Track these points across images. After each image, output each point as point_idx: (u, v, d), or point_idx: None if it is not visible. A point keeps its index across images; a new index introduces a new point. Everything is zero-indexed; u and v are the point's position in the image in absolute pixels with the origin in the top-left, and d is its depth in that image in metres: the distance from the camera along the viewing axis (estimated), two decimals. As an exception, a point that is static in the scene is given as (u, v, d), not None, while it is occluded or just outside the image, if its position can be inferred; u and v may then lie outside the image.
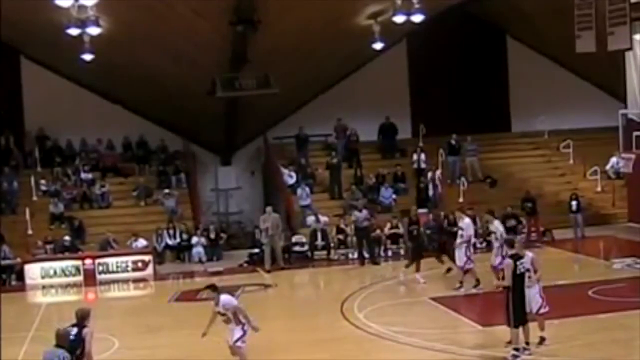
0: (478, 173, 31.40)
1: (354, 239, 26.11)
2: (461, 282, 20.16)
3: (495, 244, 20.02)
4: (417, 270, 21.69)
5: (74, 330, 12.29)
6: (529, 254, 14.98)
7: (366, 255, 25.38)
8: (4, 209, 28.03)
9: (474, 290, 19.88)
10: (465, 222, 20.55)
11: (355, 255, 25.77)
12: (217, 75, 25.90)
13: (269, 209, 25.90)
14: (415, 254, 22.21)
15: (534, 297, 14.74)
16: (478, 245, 26.07)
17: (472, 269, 20.17)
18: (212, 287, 14.85)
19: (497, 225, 20.52)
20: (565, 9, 27.52)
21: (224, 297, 14.44)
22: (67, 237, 26.58)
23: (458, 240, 20.45)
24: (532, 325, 14.56)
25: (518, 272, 14.04)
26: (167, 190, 29.31)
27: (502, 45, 34.49)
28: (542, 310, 14.92)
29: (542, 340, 14.86)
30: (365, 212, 25.68)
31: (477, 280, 20.07)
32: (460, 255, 20.29)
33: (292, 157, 31.37)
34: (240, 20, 21.48)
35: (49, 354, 11.15)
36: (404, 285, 21.58)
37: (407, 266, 22.21)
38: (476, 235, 26.38)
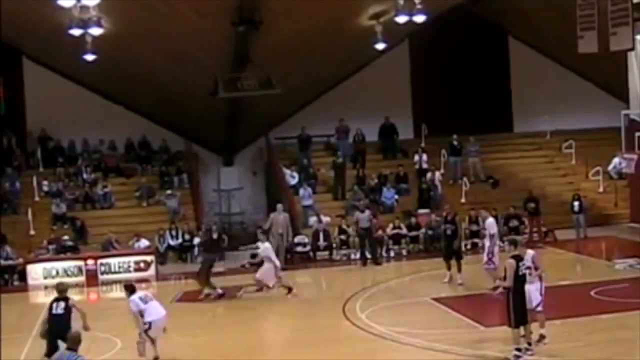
0: (480, 174, 31.38)
1: (357, 239, 26.12)
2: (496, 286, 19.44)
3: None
4: (458, 270, 21.27)
5: (62, 304, 14.19)
6: (529, 252, 15.00)
7: (368, 255, 25.38)
8: (6, 210, 28.06)
9: (493, 293, 19.64)
10: (489, 221, 20.53)
11: (358, 256, 25.78)
12: (219, 75, 25.90)
13: (279, 206, 25.87)
14: (448, 253, 21.73)
15: (533, 294, 14.74)
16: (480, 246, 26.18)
17: (493, 270, 19.88)
18: (126, 287, 15.75)
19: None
20: (568, 10, 27.50)
21: (131, 299, 15.30)
22: (66, 237, 26.60)
23: (487, 242, 20.38)
24: (534, 326, 14.56)
25: (520, 272, 14.03)
26: (169, 191, 29.33)
27: (504, 45, 34.48)
28: (539, 308, 14.89)
29: (541, 337, 14.84)
30: (367, 212, 25.67)
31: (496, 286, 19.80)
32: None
33: (294, 157, 31.38)
34: (243, 20, 21.46)
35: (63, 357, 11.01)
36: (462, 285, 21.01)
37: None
38: (478, 235, 26.52)
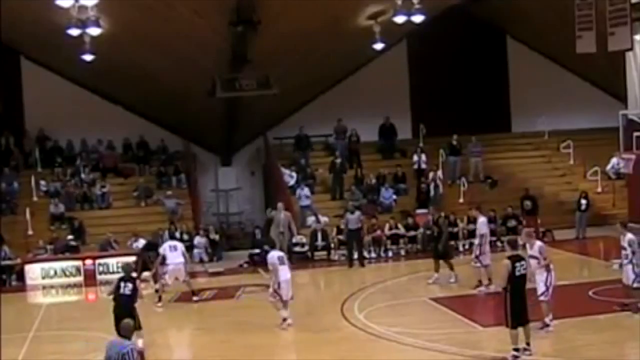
0: (480, 174, 31.39)
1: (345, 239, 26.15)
2: (489, 280, 19.95)
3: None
4: (450, 269, 21.56)
5: (130, 285, 15.26)
6: (537, 243, 15.54)
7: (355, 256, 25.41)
8: (4, 210, 28.04)
9: (474, 291, 19.90)
10: (480, 220, 20.66)
11: (355, 256, 25.81)
12: (217, 75, 25.90)
13: (280, 205, 25.92)
14: (435, 254, 21.99)
15: (538, 284, 15.30)
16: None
17: (480, 268, 20.16)
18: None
19: None
20: (566, 10, 27.52)
21: (270, 255, 17.54)
22: (70, 237, 26.66)
23: (476, 241, 20.73)
24: (533, 325, 14.60)
25: (517, 273, 14.03)
26: (169, 192, 29.32)
27: (502, 45, 34.52)
28: (541, 297, 15.30)
29: (544, 325, 15.28)
30: (357, 213, 25.64)
31: (479, 282, 20.07)
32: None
33: (292, 157, 31.37)
34: (240, 20, 21.46)
35: (114, 344, 10.79)
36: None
37: None
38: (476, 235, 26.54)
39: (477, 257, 20.20)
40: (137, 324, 14.92)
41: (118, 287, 15.35)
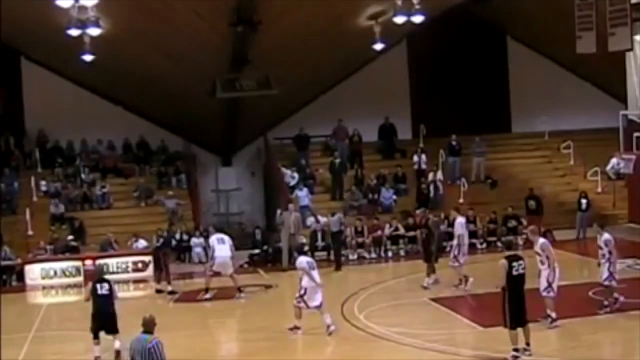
0: (482, 174, 31.37)
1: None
2: (460, 280, 20.38)
3: None
4: (428, 273, 21.51)
5: (106, 285, 15.58)
6: (540, 240, 15.98)
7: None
8: (4, 210, 28.03)
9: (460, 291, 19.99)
10: (457, 221, 20.93)
11: (355, 257, 25.82)
12: (218, 76, 25.90)
13: (291, 206, 26.02)
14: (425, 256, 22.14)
15: (541, 280, 15.69)
16: (478, 246, 26.37)
17: (457, 267, 20.50)
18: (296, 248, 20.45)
19: None
20: (566, 10, 27.53)
21: (299, 260, 17.13)
22: (70, 237, 26.67)
23: (454, 241, 20.92)
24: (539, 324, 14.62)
25: (514, 273, 14.07)
26: (170, 193, 29.31)
27: (502, 46, 34.52)
28: (544, 293, 15.71)
29: (546, 317, 15.65)
30: (337, 216, 25.70)
31: (460, 281, 20.36)
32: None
33: (292, 158, 31.36)
34: (241, 20, 21.46)
35: (136, 341, 10.79)
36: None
37: None
38: (476, 236, 26.59)
39: (455, 257, 20.49)
40: (114, 326, 15.44)
41: (95, 288, 15.55)
